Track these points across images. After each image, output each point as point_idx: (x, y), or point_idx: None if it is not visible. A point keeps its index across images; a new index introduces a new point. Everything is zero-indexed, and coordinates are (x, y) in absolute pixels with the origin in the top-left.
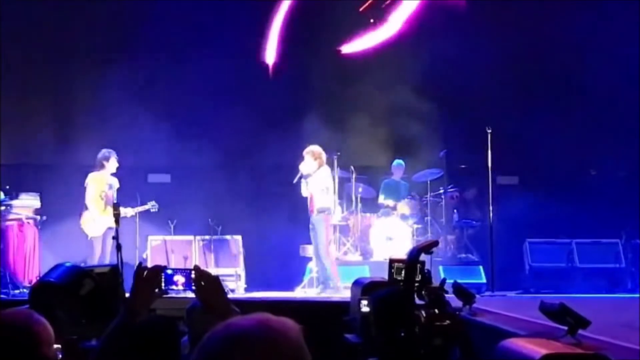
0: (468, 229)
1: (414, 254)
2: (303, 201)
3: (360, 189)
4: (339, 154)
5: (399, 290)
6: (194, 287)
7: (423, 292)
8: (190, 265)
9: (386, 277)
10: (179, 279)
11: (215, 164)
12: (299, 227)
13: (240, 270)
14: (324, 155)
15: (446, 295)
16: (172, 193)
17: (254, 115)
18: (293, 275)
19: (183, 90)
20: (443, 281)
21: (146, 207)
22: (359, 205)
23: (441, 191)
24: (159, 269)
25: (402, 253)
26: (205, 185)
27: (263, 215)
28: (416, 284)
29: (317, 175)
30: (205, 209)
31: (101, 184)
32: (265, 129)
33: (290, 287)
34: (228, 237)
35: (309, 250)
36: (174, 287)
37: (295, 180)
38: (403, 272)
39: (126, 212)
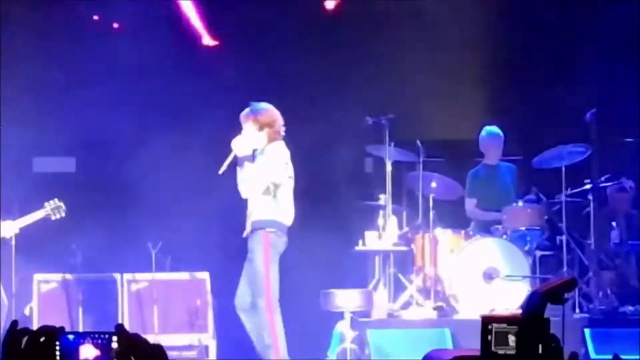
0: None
1: (535, 304)
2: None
3: (433, 184)
4: (391, 117)
5: None
6: None
7: None
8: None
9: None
10: (89, 351)
11: (171, 141)
12: (319, 258)
13: (209, 337)
14: (279, 122)
15: None
16: (79, 192)
17: None
18: (309, 344)
19: None
20: (573, 356)
21: (40, 213)
22: (432, 214)
23: (588, 186)
24: (50, 334)
25: (511, 303)
26: (143, 183)
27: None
28: None
29: (261, 159)
30: (144, 225)
31: None
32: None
33: None
34: (185, 275)
35: (338, 298)
36: None
37: (222, 170)
38: (513, 339)
39: (4, 229)
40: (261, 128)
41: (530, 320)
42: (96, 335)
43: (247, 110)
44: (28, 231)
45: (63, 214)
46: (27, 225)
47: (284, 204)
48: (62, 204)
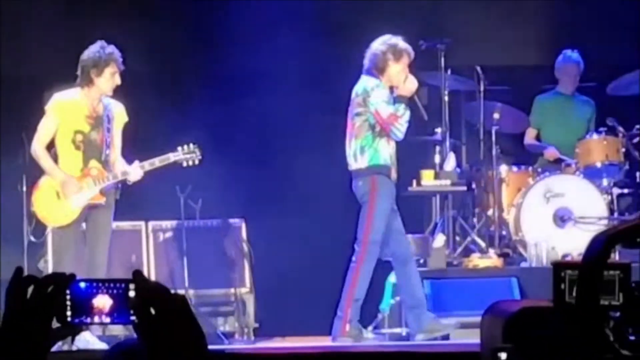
0: None
1: (599, 247)
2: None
3: (496, 115)
4: (448, 40)
5: (573, 327)
6: (132, 319)
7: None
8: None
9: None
10: (102, 301)
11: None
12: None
13: (246, 291)
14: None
15: None
16: None
17: None
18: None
19: None
20: None
21: (171, 157)
22: (496, 149)
23: None
24: (58, 282)
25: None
26: (175, 123)
27: (289, 175)
28: (614, 311)
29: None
30: (171, 172)
31: None
32: None
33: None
34: (217, 222)
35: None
36: (92, 319)
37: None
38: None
39: (132, 173)
40: (400, 57)
41: (594, 263)
42: (111, 284)
43: (375, 43)
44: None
45: (197, 162)
46: (153, 169)
47: None
48: (197, 149)
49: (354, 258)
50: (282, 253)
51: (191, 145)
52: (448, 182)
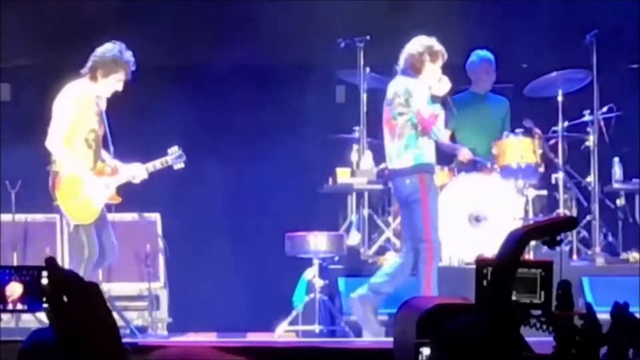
0: None
1: (514, 243)
2: (295, 147)
3: None
4: (367, 37)
5: (489, 321)
6: (45, 306)
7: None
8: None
9: (472, 294)
10: (15, 288)
11: None
12: (283, 198)
13: (160, 286)
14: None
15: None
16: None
17: None
18: (273, 294)
19: None
20: (588, 306)
21: (168, 159)
22: None
23: (587, 118)
24: None
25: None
26: None
27: (206, 170)
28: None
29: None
30: None
31: None
32: None
33: (265, 324)
34: (133, 216)
35: (306, 242)
36: (5, 306)
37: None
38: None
39: (138, 174)
40: (436, 59)
41: (501, 263)
42: (23, 271)
43: (411, 45)
44: None
45: (183, 165)
46: (155, 170)
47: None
48: (181, 150)
49: (422, 255)
50: (196, 248)
51: (176, 147)
52: (364, 180)
